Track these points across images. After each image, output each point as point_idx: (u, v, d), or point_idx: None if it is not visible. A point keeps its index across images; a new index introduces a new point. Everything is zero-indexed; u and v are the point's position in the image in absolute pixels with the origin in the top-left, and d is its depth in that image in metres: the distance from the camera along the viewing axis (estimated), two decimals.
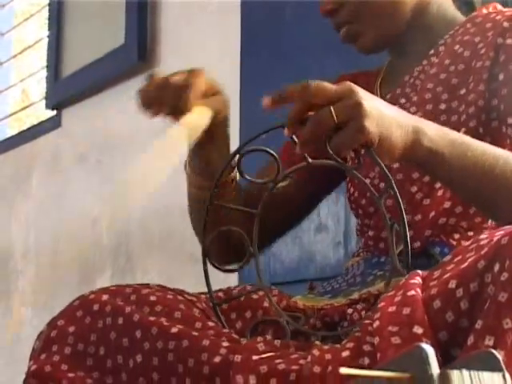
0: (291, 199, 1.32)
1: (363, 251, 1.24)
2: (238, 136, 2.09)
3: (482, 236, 0.85)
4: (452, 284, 0.80)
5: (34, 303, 3.08)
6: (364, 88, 1.28)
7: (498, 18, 1.21)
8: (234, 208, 1.10)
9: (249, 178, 1.06)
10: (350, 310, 1.07)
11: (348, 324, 1.04)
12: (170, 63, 2.58)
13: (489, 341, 0.73)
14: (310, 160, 1.00)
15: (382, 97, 1.25)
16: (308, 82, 0.97)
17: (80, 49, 2.99)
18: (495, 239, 0.80)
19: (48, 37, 3.17)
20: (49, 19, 3.18)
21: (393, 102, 1.22)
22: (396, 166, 1.16)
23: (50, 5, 3.20)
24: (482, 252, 0.80)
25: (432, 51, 1.24)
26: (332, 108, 0.93)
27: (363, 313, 1.04)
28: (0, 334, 3.25)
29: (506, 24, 1.19)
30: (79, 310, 1.02)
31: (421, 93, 1.21)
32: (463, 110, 1.16)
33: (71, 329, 1.02)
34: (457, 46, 1.22)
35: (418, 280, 0.86)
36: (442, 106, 1.18)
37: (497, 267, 0.76)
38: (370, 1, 1.22)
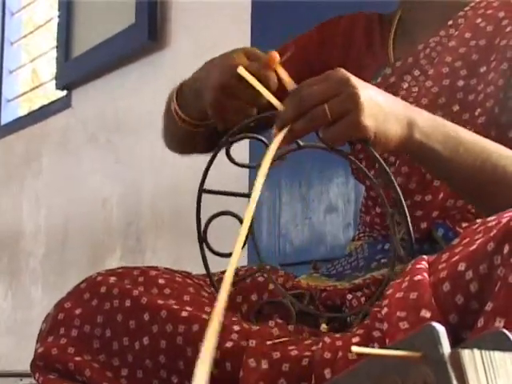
0: None
1: (364, 235, 1.22)
2: None
3: (490, 218, 0.84)
4: (461, 266, 0.79)
5: (43, 283, 3.09)
6: (379, 36, 1.23)
7: None
8: (225, 193, 1.06)
9: (240, 163, 1.03)
10: (349, 296, 1.05)
11: (348, 310, 1.04)
12: (180, 42, 2.57)
13: (499, 322, 0.72)
14: (301, 143, 0.98)
15: (394, 59, 1.21)
16: (297, 90, 0.93)
17: (90, 29, 2.98)
18: (504, 221, 0.79)
19: (58, 17, 3.16)
20: None
21: (404, 71, 1.19)
22: None
23: None
24: (491, 234, 0.79)
25: (450, 22, 1.19)
26: (326, 106, 0.90)
27: (363, 299, 1.03)
28: (10, 313, 3.27)
29: None
30: (86, 293, 1.02)
31: (437, 66, 1.17)
32: (482, 89, 1.12)
33: (78, 311, 1.01)
34: (479, 20, 1.17)
35: (423, 265, 0.86)
36: (460, 83, 1.14)
37: (506, 249, 0.75)
38: None
